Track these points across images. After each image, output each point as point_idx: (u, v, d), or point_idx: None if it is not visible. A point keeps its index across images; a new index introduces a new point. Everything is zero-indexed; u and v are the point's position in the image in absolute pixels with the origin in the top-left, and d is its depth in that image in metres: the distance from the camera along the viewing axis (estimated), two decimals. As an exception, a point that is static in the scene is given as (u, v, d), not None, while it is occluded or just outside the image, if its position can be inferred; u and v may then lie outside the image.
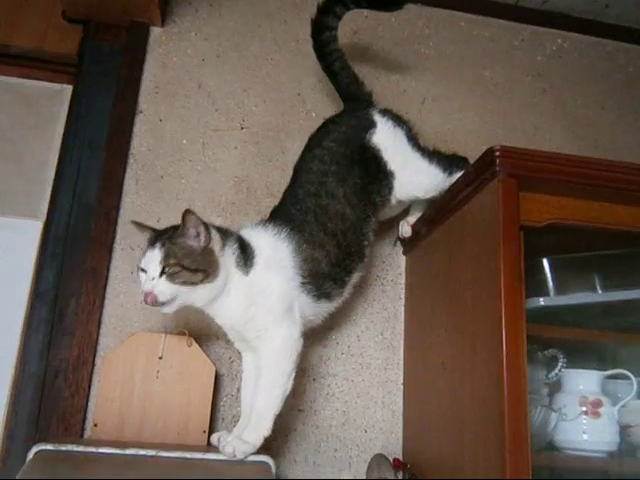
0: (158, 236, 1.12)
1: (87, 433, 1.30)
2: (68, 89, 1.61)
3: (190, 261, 1.07)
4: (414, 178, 1.33)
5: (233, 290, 1.13)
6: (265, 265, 1.16)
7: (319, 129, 1.37)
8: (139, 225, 1.20)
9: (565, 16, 1.87)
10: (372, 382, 1.44)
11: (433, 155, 1.36)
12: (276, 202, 1.51)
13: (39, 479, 0.96)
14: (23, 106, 1.61)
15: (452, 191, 1.24)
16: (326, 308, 1.26)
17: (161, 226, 1.43)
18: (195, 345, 1.31)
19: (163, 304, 1.08)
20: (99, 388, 1.28)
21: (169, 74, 1.60)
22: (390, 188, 1.32)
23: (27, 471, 0.98)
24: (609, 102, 1.81)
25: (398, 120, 1.37)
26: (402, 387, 1.45)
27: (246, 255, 1.16)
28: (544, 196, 1.09)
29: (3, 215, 1.49)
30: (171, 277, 1.06)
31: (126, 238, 1.44)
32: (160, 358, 1.29)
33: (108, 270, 1.41)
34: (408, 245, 1.50)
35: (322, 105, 1.62)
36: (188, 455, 1.08)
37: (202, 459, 1.08)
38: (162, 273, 1.06)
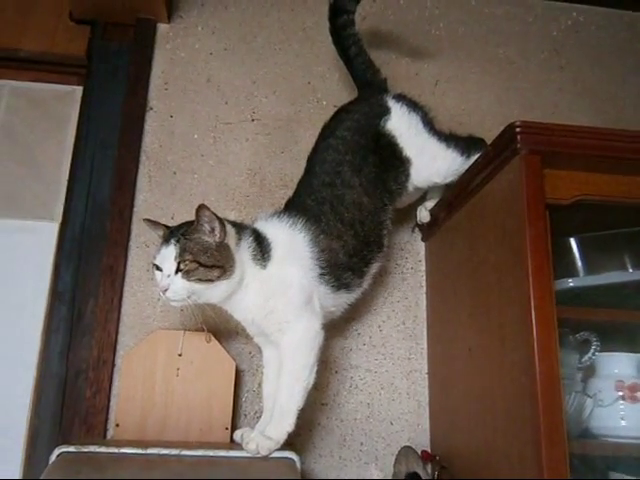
0: (172, 232, 1.10)
1: (110, 433, 1.29)
2: (78, 90, 1.61)
3: (206, 257, 1.05)
4: (431, 163, 1.30)
5: (251, 285, 1.11)
6: (282, 257, 1.13)
7: (332, 118, 1.34)
8: (151, 222, 1.18)
9: (579, -12, 1.81)
10: (396, 373, 1.41)
11: (450, 139, 1.32)
12: (290, 193, 1.49)
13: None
14: (35, 109, 1.61)
15: (471, 172, 1.20)
16: (346, 299, 1.23)
17: (175, 223, 1.44)
18: (214, 341, 1.29)
19: (179, 301, 1.06)
20: (120, 387, 1.27)
21: (178, 70, 1.59)
22: (407, 175, 1.29)
23: (50, 473, 0.97)
24: (630, 75, 1.75)
25: (413, 105, 1.33)
26: (427, 377, 1.41)
27: (262, 248, 1.13)
28: (569, 172, 1.04)
29: (20, 218, 1.50)
30: (187, 274, 1.04)
31: (141, 235, 1.43)
32: (180, 355, 1.28)
33: (125, 268, 1.40)
34: (427, 231, 1.46)
35: (333, 93, 1.59)
36: (211, 453, 1.06)
37: (226, 457, 1.05)
38: (178, 270, 1.04)
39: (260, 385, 1.32)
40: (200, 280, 1.05)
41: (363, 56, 1.38)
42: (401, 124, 1.30)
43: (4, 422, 1.34)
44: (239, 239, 1.12)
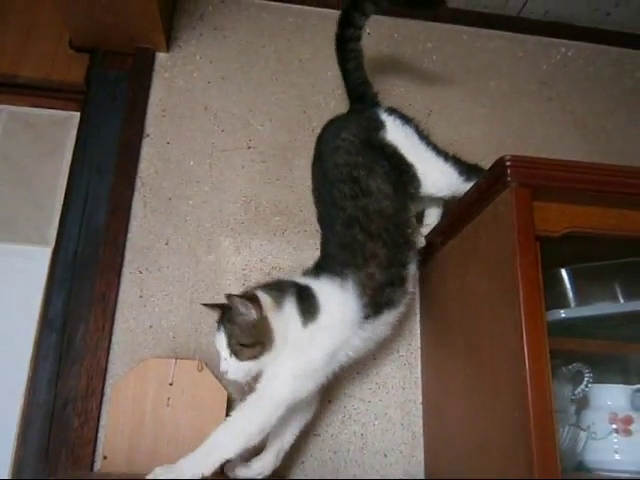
0: (221, 318, 1.14)
1: (97, 465, 1.26)
2: (76, 116, 1.62)
3: (246, 337, 1.09)
4: (428, 174, 1.31)
5: (289, 332, 1.10)
6: (327, 324, 1.11)
7: (327, 129, 1.35)
8: (208, 306, 1.20)
9: (568, 25, 1.86)
10: (390, 403, 1.40)
11: (449, 156, 1.35)
12: (285, 221, 1.51)
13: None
14: (32, 134, 1.62)
15: (464, 202, 1.21)
16: (390, 318, 1.21)
17: (169, 249, 1.45)
18: (206, 370, 1.28)
19: (242, 378, 1.10)
20: (109, 418, 1.25)
21: (175, 98, 1.60)
22: (418, 179, 1.30)
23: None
24: (618, 108, 1.79)
25: (405, 118, 1.36)
26: (421, 407, 1.40)
27: (308, 305, 1.12)
28: (559, 205, 1.05)
29: (13, 242, 1.50)
30: (237, 356, 1.09)
31: (134, 262, 1.43)
32: (171, 384, 1.26)
33: (117, 295, 1.39)
34: (421, 258, 1.46)
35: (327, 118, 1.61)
36: (200, 484, 1.04)
37: (215, 488, 1.04)
38: (231, 353, 1.09)
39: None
40: (249, 358, 1.08)
41: (360, 71, 1.40)
42: (398, 136, 1.32)
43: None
44: (280, 303, 1.12)
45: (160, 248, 1.45)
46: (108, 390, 1.31)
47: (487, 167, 1.12)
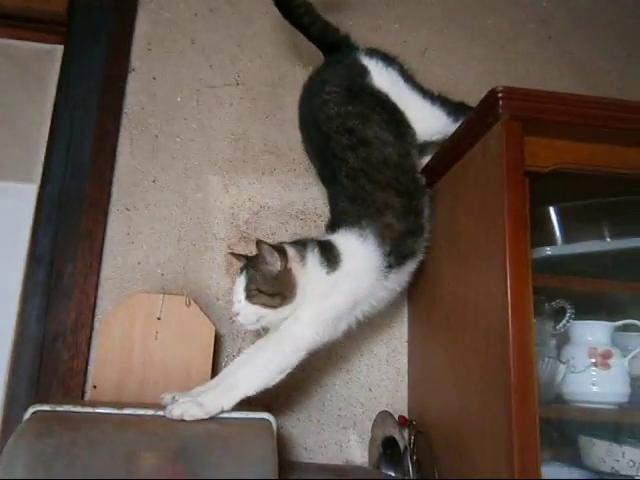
0: (245, 264, 1.15)
1: (87, 395, 1.29)
2: (59, 49, 1.56)
3: (268, 286, 1.09)
4: (418, 120, 1.28)
5: (313, 285, 1.11)
6: (349, 271, 1.12)
7: (309, 87, 1.31)
8: (235, 255, 1.23)
9: (571, -40, 1.78)
10: (376, 340, 1.42)
11: (435, 97, 1.31)
12: (274, 159, 1.49)
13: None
14: (13, 68, 1.57)
15: (454, 138, 1.19)
16: (414, 265, 1.22)
17: (157, 186, 1.43)
18: (194, 305, 1.29)
19: (250, 324, 1.11)
20: (98, 351, 1.27)
21: (161, 30, 1.55)
22: (413, 127, 1.28)
23: (22, 431, 0.97)
24: (618, 48, 1.74)
25: (388, 59, 1.31)
26: (406, 344, 1.42)
27: (331, 257, 1.13)
28: (550, 140, 1.04)
29: (-4, 179, 1.47)
30: (251, 299, 1.09)
31: (121, 199, 1.41)
32: (159, 319, 1.27)
33: (104, 232, 1.39)
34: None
35: (320, 59, 1.55)
36: (187, 413, 1.06)
37: (201, 416, 1.06)
38: (246, 297, 1.10)
39: (240, 350, 1.34)
40: (264, 305, 1.09)
41: (319, 22, 1.32)
42: (384, 81, 1.27)
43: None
44: (303, 256, 1.12)
45: (147, 185, 1.43)
46: (97, 324, 1.32)
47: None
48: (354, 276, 1.13)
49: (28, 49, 1.59)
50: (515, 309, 0.95)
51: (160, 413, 1.04)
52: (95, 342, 1.31)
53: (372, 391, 1.39)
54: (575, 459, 1.14)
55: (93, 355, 1.31)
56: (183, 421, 1.01)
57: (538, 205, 1.07)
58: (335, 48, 1.33)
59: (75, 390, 1.28)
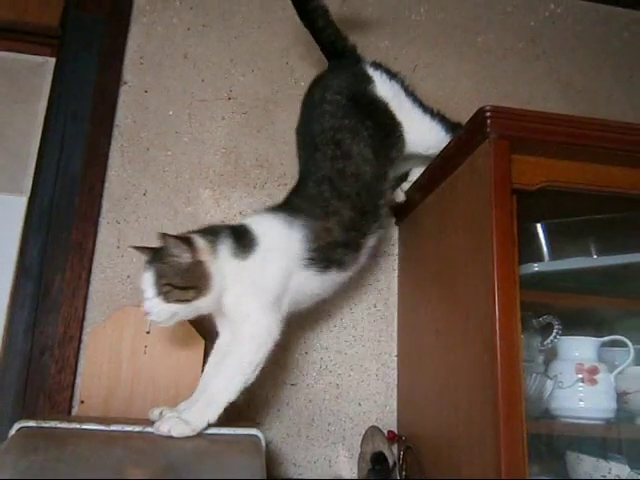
0: (151, 257, 1.10)
1: (74, 410, 1.27)
2: (51, 61, 1.56)
3: (179, 279, 1.05)
4: (415, 132, 1.30)
5: (230, 278, 1.09)
6: (266, 251, 1.12)
7: (313, 88, 1.33)
8: (138, 248, 1.17)
9: (557, -19, 1.82)
10: (366, 354, 1.42)
11: (434, 113, 1.34)
12: (265, 173, 1.50)
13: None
14: (5, 79, 1.56)
15: (443, 155, 1.21)
16: (336, 278, 1.21)
17: (147, 200, 1.43)
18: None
19: (163, 322, 1.08)
20: (86, 365, 1.26)
21: (154, 44, 1.56)
22: (403, 140, 1.29)
23: (7, 448, 0.95)
24: (605, 68, 1.78)
25: (391, 73, 1.35)
26: (396, 359, 1.43)
27: (246, 243, 1.12)
28: (537, 158, 1.06)
29: (-16, 190, 1.46)
30: (164, 296, 1.05)
31: (112, 211, 1.41)
32: (148, 333, 1.27)
33: (94, 244, 1.38)
34: (401, 214, 1.47)
35: (311, 74, 1.55)
36: (176, 430, 1.06)
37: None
38: (157, 294, 1.05)
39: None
40: (178, 301, 1.05)
41: (331, 26, 1.34)
42: (387, 91, 1.30)
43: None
44: (215, 246, 1.10)
45: (138, 198, 1.43)
46: (85, 338, 1.31)
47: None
48: (271, 254, 1.12)
49: (20, 61, 1.58)
50: (503, 325, 0.96)
51: (148, 429, 1.03)
52: (83, 355, 1.30)
53: (362, 406, 1.39)
54: (562, 474, 1.14)
55: (81, 369, 1.30)
56: (171, 437, 1.00)
57: (525, 222, 1.08)
58: (340, 55, 1.36)
59: (62, 405, 1.27)
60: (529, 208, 1.04)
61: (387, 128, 1.28)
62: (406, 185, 1.42)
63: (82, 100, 1.48)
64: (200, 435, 1.04)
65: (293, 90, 1.56)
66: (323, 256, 1.15)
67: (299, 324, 1.40)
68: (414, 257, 1.40)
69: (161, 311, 1.06)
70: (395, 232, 1.52)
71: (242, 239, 1.12)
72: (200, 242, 1.08)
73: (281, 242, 1.13)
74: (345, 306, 1.45)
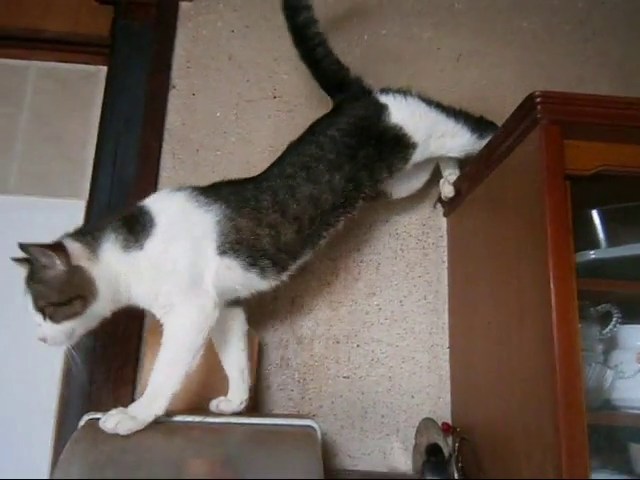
0: (28, 273, 1.00)
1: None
2: (103, 70, 1.63)
3: (57, 295, 0.97)
4: (442, 142, 1.28)
5: (130, 271, 1.03)
6: (165, 233, 1.04)
7: (321, 121, 1.27)
8: (17, 261, 1.03)
9: (607, -42, 1.76)
10: (417, 347, 1.42)
11: (459, 114, 1.30)
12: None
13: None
14: (61, 89, 1.64)
15: (492, 145, 1.19)
16: (256, 283, 1.14)
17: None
18: (237, 314, 1.31)
19: (64, 343, 1.01)
20: (146, 360, 1.31)
21: (200, 48, 1.60)
22: (406, 160, 1.25)
23: (77, 437, 1.01)
24: (657, 48, 1.70)
25: (404, 91, 1.28)
26: (448, 351, 1.42)
27: (139, 228, 1.04)
28: (591, 143, 1.03)
29: (48, 196, 1.54)
30: (52, 318, 0.97)
31: (165, 212, 1.46)
32: (204, 328, 1.30)
33: (149, 245, 1.43)
34: (449, 206, 1.46)
35: (355, 68, 1.57)
36: (233, 420, 1.09)
37: (248, 423, 1.09)
38: (43, 318, 0.97)
39: (283, 358, 1.37)
40: (68, 317, 0.98)
41: (331, 56, 1.28)
42: (404, 114, 1.24)
43: (37, 394, 1.39)
44: (95, 246, 1.02)
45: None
46: (145, 334, 1.37)
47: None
48: (172, 233, 1.04)
49: (74, 71, 1.66)
50: (560, 314, 0.94)
51: (207, 420, 1.08)
52: (143, 351, 1.35)
53: (414, 398, 1.39)
54: (626, 466, 1.11)
55: (141, 364, 1.35)
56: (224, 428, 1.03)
57: (580, 208, 1.06)
58: (343, 89, 1.29)
59: (125, 398, 1.32)
60: (583, 194, 1.01)
61: (389, 152, 1.22)
62: (452, 177, 1.41)
63: (134, 105, 1.54)
64: (257, 425, 1.07)
65: (336, 86, 1.57)
66: (245, 253, 1.09)
67: (349, 318, 1.42)
68: (464, 249, 1.39)
69: (55, 334, 0.98)
70: (443, 224, 1.50)
71: (136, 225, 1.04)
72: (73, 245, 1.00)
73: (184, 219, 1.07)
74: (395, 299, 1.45)
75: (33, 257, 0.97)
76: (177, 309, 1.03)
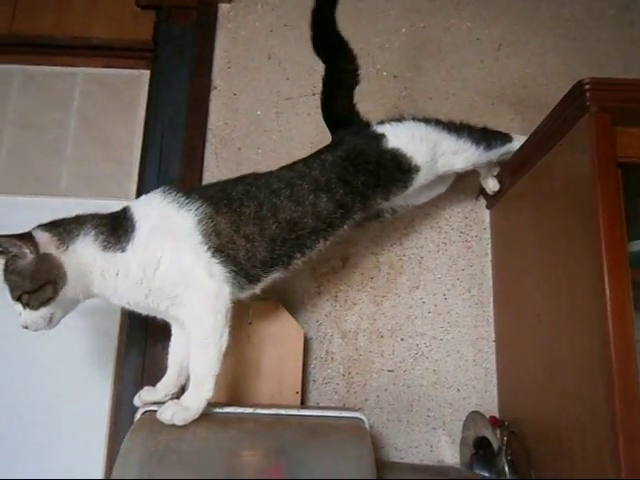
0: (3, 269, 1.03)
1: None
2: (146, 74, 1.68)
3: (29, 283, 1.00)
4: (445, 158, 1.25)
5: (110, 272, 1.05)
6: (147, 234, 1.06)
7: (323, 150, 1.25)
8: None
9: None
10: (462, 340, 1.42)
11: (461, 129, 1.26)
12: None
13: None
14: (106, 94, 1.69)
15: (537, 134, 1.17)
16: (237, 292, 1.13)
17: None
18: (283, 310, 1.34)
19: (45, 329, 1.05)
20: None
21: (239, 48, 1.63)
22: (406, 186, 1.22)
23: (135, 428, 1.05)
24: None
25: (400, 118, 1.26)
26: (494, 344, 1.41)
27: (120, 232, 1.06)
28: (642, 129, 1.00)
29: (96, 197, 1.59)
30: (30, 306, 1.01)
31: (210, 210, 1.49)
32: (250, 324, 1.33)
33: (196, 243, 1.46)
34: (492, 198, 1.44)
35: (392, 63, 1.59)
36: (283, 412, 1.11)
37: (297, 415, 1.11)
38: (23, 306, 1.02)
39: (327, 352, 1.38)
40: (43, 303, 1.02)
41: (352, 95, 1.28)
42: (401, 138, 1.21)
43: (90, 389, 1.45)
44: (68, 237, 1.04)
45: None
46: (193, 330, 1.40)
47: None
48: (156, 238, 1.05)
49: (118, 75, 1.71)
50: (615, 305, 0.92)
51: (258, 411, 1.10)
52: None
53: (460, 392, 1.39)
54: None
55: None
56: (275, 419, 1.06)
57: (633, 197, 1.03)
58: (347, 125, 1.27)
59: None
60: (636, 182, 0.99)
61: (388, 178, 1.20)
62: (494, 170, 1.39)
63: (177, 107, 1.58)
64: (307, 417, 1.09)
65: (375, 80, 1.58)
66: (225, 256, 1.08)
67: (392, 312, 1.43)
68: (508, 240, 1.38)
69: (35, 320, 1.03)
70: (486, 216, 1.49)
71: (117, 229, 1.07)
72: (42, 235, 1.03)
73: (165, 221, 1.08)
74: (438, 292, 1.45)
75: (4, 248, 1.01)
76: (186, 298, 1.06)
